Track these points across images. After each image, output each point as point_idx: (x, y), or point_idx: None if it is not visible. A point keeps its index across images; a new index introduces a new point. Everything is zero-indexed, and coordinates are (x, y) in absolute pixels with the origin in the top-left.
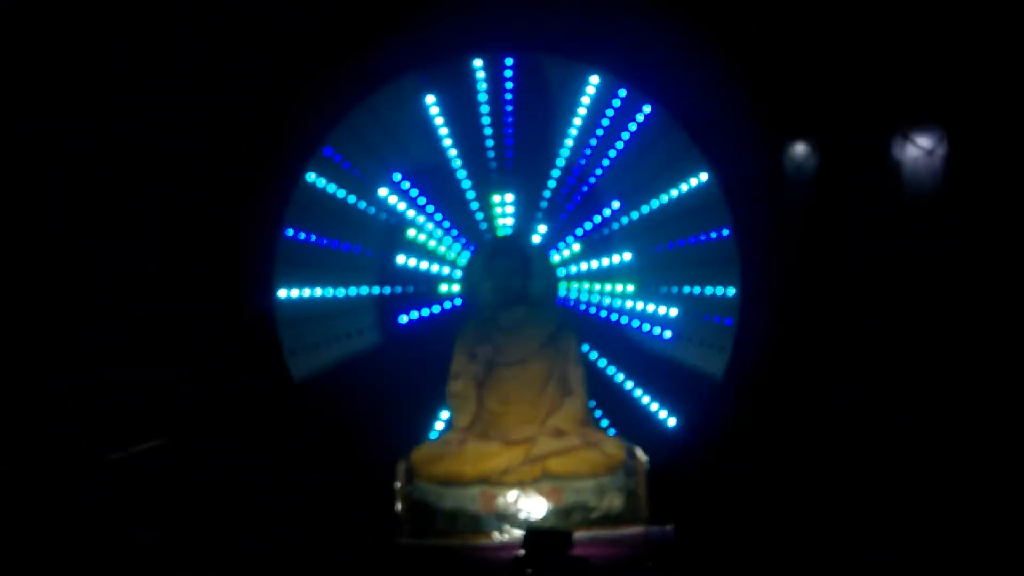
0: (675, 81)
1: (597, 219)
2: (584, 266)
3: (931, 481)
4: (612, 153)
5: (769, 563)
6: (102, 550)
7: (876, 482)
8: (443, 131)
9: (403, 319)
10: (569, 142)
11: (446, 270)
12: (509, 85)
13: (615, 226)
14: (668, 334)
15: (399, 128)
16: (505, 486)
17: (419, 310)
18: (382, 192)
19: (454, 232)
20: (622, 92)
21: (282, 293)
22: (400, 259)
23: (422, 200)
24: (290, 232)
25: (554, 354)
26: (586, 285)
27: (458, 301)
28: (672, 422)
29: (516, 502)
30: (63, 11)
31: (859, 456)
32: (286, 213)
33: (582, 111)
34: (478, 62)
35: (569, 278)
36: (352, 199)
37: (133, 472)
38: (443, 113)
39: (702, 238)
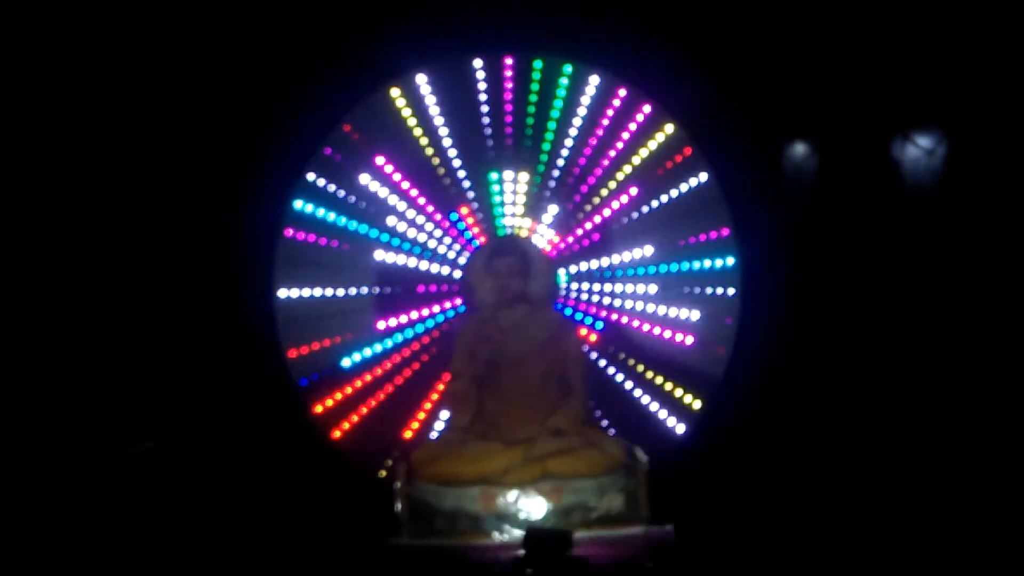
0: (675, 81)
1: (597, 219)
2: (584, 266)
3: (933, 481)
4: (612, 153)
5: (769, 563)
6: (102, 549)
7: (877, 481)
8: (443, 131)
9: (403, 319)
10: (568, 142)
11: (445, 270)
12: (509, 85)
13: (615, 226)
14: (668, 334)
15: (399, 128)
16: (505, 486)
17: (419, 310)
18: (382, 192)
19: (454, 232)
20: (622, 92)
21: (282, 293)
22: (400, 259)
23: (422, 200)
24: (290, 232)
25: (554, 354)
26: (585, 285)
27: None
28: (672, 422)
29: (516, 502)
30: (66, 9)
31: (860, 455)
32: (286, 213)
33: (582, 111)
34: (478, 62)
35: (569, 282)
36: (352, 199)
37: (133, 472)
38: (443, 113)
39: (702, 237)
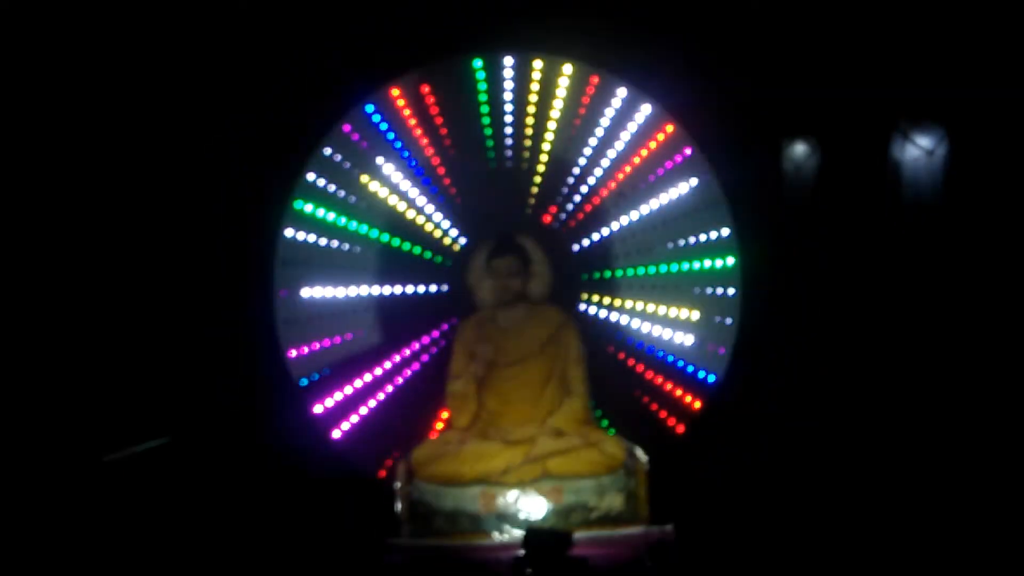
0: (675, 81)
1: (597, 219)
2: (583, 266)
3: (934, 482)
4: (612, 153)
5: (769, 563)
6: (101, 548)
7: (877, 481)
8: (442, 131)
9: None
10: (568, 142)
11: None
12: (509, 85)
13: (615, 226)
14: (668, 334)
15: (399, 127)
16: (505, 486)
17: (418, 309)
18: (382, 192)
19: (453, 231)
20: (622, 92)
21: (282, 293)
22: (400, 258)
23: (421, 200)
24: (290, 232)
25: (554, 354)
26: (584, 296)
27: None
28: (673, 422)
29: (516, 502)
30: (67, 9)
31: (860, 455)
32: (286, 213)
33: (582, 111)
34: (478, 62)
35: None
36: (352, 199)
37: (133, 472)
38: (442, 113)
39: (702, 238)
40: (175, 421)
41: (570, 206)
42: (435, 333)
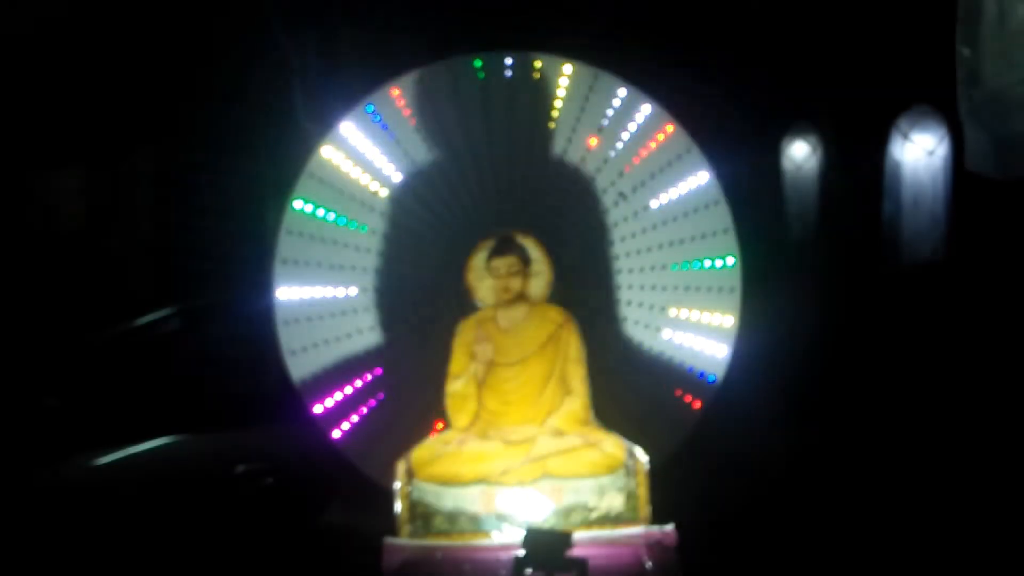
0: (675, 81)
1: (595, 219)
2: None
3: (933, 484)
4: (611, 153)
5: (770, 563)
6: (101, 551)
7: (878, 481)
8: (441, 131)
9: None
10: (567, 142)
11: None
12: (509, 85)
13: (614, 226)
14: (668, 334)
15: (398, 128)
16: (505, 486)
17: (417, 308)
18: (382, 191)
19: (453, 231)
20: (622, 92)
21: (282, 293)
22: (399, 257)
23: (421, 199)
24: (290, 232)
25: (554, 354)
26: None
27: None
28: (673, 421)
29: (516, 502)
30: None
31: (861, 455)
32: (286, 213)
33: (580, 111)
34: (478, 62)
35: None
36: (352, 198)
37: (133, 472)
38: (442, 112)
39: (701, 237)
40: (175, 421)
41: (569, 206)
42: (435, 333)
